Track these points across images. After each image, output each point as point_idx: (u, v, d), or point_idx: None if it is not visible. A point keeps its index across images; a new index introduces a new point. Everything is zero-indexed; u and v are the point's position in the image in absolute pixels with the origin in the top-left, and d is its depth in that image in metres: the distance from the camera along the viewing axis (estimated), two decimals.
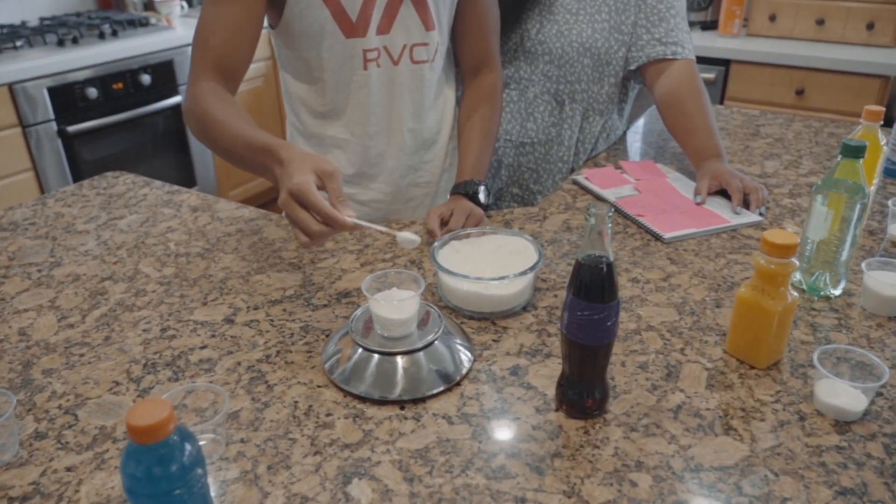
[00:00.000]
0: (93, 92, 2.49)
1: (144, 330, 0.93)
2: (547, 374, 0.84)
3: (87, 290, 1.03)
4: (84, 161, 2.54)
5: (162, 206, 1.30)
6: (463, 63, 1.33)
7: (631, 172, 1.39)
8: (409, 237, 0.87)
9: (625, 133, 1.65)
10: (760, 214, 1.22)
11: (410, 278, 0.87)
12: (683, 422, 0.77)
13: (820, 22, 2.64)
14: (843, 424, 0.76)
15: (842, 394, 0.77)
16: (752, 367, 0.85)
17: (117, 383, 0.83)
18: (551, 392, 0.81)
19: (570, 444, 0.73)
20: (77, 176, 2.53)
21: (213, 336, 0.92)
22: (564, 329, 0.74)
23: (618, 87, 1.47)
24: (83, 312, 0.98)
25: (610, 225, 0.68)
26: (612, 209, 0.68)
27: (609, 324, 0.72)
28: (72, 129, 2.45)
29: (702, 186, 1.27)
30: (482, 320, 0.95)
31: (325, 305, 0.98)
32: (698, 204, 1.25)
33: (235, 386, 0.83)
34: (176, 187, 1.38)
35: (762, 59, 2.58)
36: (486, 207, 1.19)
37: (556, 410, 0.78)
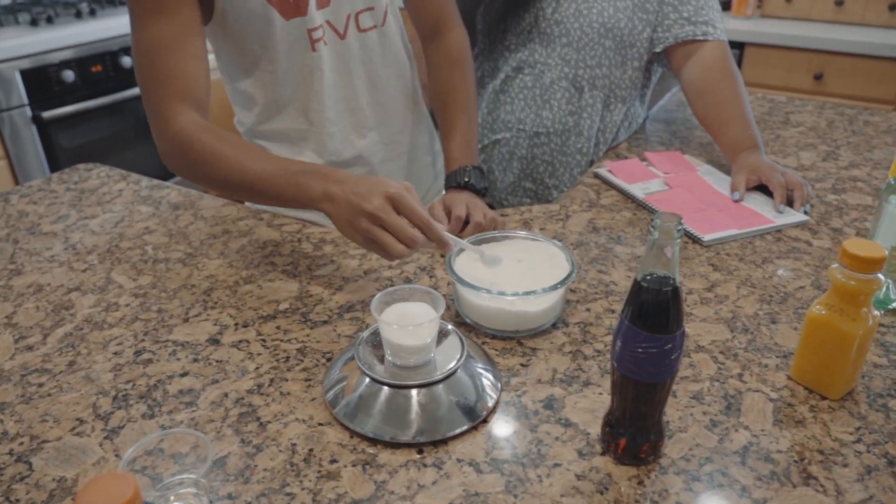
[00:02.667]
0: (70, 75, 2.33)
1: (115, 353, 0.80)
2: (587, 406, 0.72)
3: (50, 303, 0.90)
4: (61, 149, 2.39)
5: (139, 204, 1.16)
6: (419, 25, 1.18)
7: (658, 165, 1.26)
8: (495, 258, 0.86)
9: (645, 120, 1.52)
10: (805, 213, 1.10)
11: (426, 295, 0.74)
12: (753, 468, 0.65)
13: (839, 2, 2.51)
14: None
15: None
16: (824, 398, 0.73)
17: (81, 421, 0.70)
18: (594, 430, 0.69)
19: (624, 500, 0.61)
20: (54, 165, 2.37)
21: (195, 360, 0.79)
22: (616, 361, 0.62)
23: (641, 71, 1.34)
24: (45, 331, 0.84)
25: (678, 241, 0.56)
26: (682, 221, 0.56)
27: (673, 357, 0.60)
28: (47, 114, 2.29)
29: (739, 181, 1.15)
30: (506, 339, 0.82)
31: (325, 322, 0.85)
32: (736, 201, 1.13)
33: (222, 424, 0.70)
34: (155, 181, 1.25)
35: (778, 42, 2.45)
36: (483, 192, 1.08)
37: (603, 454, 0.66)
